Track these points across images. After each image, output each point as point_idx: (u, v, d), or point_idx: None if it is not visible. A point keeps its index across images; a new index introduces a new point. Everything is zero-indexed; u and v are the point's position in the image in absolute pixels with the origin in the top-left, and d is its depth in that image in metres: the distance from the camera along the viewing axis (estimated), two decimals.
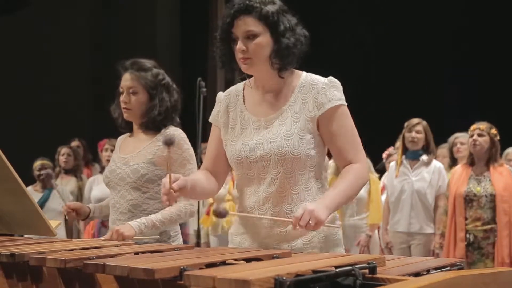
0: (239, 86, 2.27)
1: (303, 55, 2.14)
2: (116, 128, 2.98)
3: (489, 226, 4.38)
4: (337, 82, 2.12)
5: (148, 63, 2.86)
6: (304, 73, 2.17)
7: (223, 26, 2.11)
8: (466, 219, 4.45)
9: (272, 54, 2.08)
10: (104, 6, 10.24)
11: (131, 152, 2.81)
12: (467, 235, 4.42)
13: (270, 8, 2.07)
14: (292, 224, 1.90)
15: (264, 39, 2.07)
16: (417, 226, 4.89)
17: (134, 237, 2.57)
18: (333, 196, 2.00)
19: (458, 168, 4.70)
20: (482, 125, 4.55)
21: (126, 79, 2.80)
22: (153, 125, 2.80)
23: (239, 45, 2.08)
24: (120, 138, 2.98)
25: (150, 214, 2.66)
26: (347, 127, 2.10)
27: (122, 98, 2.80)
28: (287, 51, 2.07)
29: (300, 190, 2.10)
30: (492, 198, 4.38)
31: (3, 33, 8.92)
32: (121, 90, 2.82)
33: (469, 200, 4.45)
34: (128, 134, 2.94)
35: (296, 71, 2.18)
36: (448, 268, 1.66)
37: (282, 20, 2.08)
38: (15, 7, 9.39)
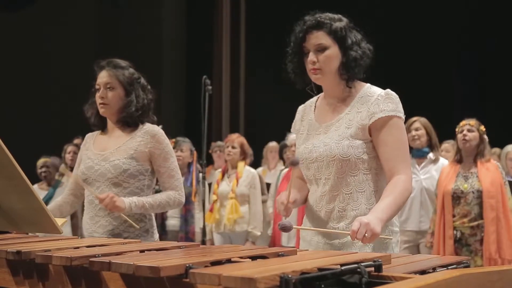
0: (315, 98, 2.46)
1: (368, 68, 2.31)
2: None
3: (476, 223, 4.39)
4: (393, 95, 2.25)
5: (123, 62, 2.92)
6: (366, 85, 2.33)
7: (296, 41, 2.31)
8: (454, 216, 4.45)
9: (340, 66, 2.26)
10: (110, 4, 10.25)
11: (109, 149, 2.86)
12: (455, 232, 4.42)
13: (339, 24, 2.27)
14: (350, 236, 2.02)
15: (333, 52, 2.26)
16: (427, 225, 4.88)
17: (122, 213, 2.69)
18: (384, 208, 2.10)
19: (447, 166, 4.70)
20: (472, 121, 4.57)
21: (103, 76, 2.87)
22: (131, 121, 2.87)
23: (310, 57, 2.27)
24: (90, 135, 3.03)
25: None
26: (395, 138, 2.21)
27: (98, 94, 2.86)
28: (355, 63, 2.25)
29: (353, 190, 2.25)
30: (479, 194, 4.40)
31: (7, 31, 8.94)
32: (97, 87, 2.89)
33: (456, 197, 4.46)
34: (98, 131, 2.99)
35: (360, 82, 2.34)
36: (454, 266, 1.66)
37: (349, 35, 2.27)
38: (19, 5, 9.41)
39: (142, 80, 2.93)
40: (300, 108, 2.53)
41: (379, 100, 2.23)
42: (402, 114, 2.26)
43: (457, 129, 4.62)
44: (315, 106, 2.45)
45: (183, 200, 2.87)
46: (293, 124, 2.54)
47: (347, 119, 2.27)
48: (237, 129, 9.42)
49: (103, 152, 2.86)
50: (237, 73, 10.38)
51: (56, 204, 3.01)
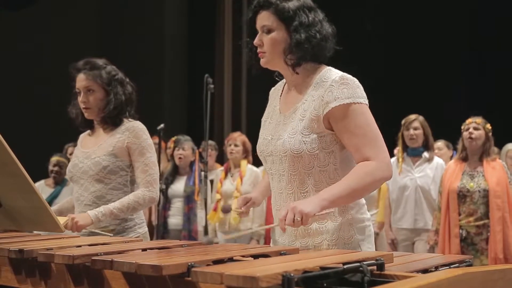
0: (284, 80, 2.29)
1: (328, 52, 2.13)
2: None
3: (481, 222, 4.37)
4: (349, 79, 2.05)
5: (100, 61, 2.95)
6: (324, 69, 2.13)
7: (248, 22, 2.19)
8: (459, 214, 4.44)
9: (285, 50, 2.09)
10: (112, 2, 10.25)
11: (92, 147, 2.93)
12: (460, 231, 4.42)
13: (289, 4, 2.09)
14: (280, 226, 1.91)
15: (279, 35, 2.10)
16: (422, 223, 4.89)
17: (89, 227, 2.72)
18: (332, 190, 1.97)
19: (452, 163, 4.69)
20: (478, 119, 4.55)
21: (81, 80, 2.91)
22: (110, 120, 2.92)
23: (255, 39, 2.14)
24: (81, 135, 3.10)
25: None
26: (360, 124, 2.01)
27: (80, 98, 2.91)
28: (297, 47, 2.07)
29: (309, 189, 2.08)
30: (485, 194, 4.37)
31: (8, 30, 8.94)
32: (77, 91, 2.94)
33: (462, 195, 4.45)
34: (88, 132, 3.06)
35: (321, 66, 2.15)
36: (457, 264, 1.65)
37: (299, 16, 2.08)
38: (20, 4, 9.41)
39: (120, 75, 2.96)
40: (271, 91, 2.37)
41: (333, 87, 2.03)
42: (362, 99, 2.04)
43: (462, 127, 4.61)
44: (282, 90, 2.27)
45: (155, 195, 2.86)
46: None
47: (302, 110, 2.08)
48: (239, 128, 9.41)
49: (87, 150, 2.94)
50: (239, 71, 10.37)
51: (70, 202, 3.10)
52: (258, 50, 2.15)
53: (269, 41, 2.11)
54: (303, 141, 2.04)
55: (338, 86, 2.03)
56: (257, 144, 2.24)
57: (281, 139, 2.08)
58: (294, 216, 1.86)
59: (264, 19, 2.12)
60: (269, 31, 2.11)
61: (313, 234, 2.09)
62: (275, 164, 2.12)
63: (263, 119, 2.30)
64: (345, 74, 2.07)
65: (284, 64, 2.12)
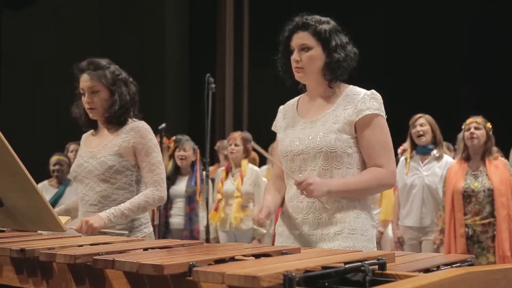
0: (296, 98, 2.57)
1: (351, 70, 2.42)
2: None
3: (487, 220, 4.39)
4: (378, 95, 2.36)
5: (103, 61, 2.94)
6: (350, 86, 2.43)
7: (282, 40, 2.44)
8: (465, 214, 4.46)
9: (324, 67, 2.37)
10: (112, 2, 10.25)
11: (97, 147, 2.92)
12: (466, 229, 4.43)
13: (324, 26, 2.37)
14: (294, 180, 2.25)
15: (316, 52, 2.37)
16: (428, 221, 4.87)
17: (103, 229, 2.69)
18: (340, 182, 2.28)
19: (454, 164, 4.69)
20: (479, 119, 4.57)
21: (85, 80, 2.90)
22: (115, 120, 2.91)
23: (294, 56, 2.39)
24: (85, 135, 3.10)
25: (121, 204, 2.78)
26: (380, 137, 2.32)
27: (84, 99, 2.91)
28: (337, 64, 2.36)
29: None
30: (490, 193, 4.41)
31: (8, 30, 8.94)
32: (81, 91, 2.93)
33: (467, 196, 4.46)
34: (91, 131, 3.05)
35: (343, 83, 2.44)
36: (458, 264, 1.65)
37: (334, 38, 2.37)
38: (20, 4, 9.41)
39: (123, 75, 2.96)
40: (281, 107, 2.62)
41: (365, 99, 2.34)
42: (384, 114, 2.36)
43: (463, 127, 4.61)
44: (297, 105, 2.54)
45: (164, 195, 2.88)
46: (274, 122, 2.62)
47: (334, 115, 2.36)
48: (240, 127, 9.41)
49: (92, 150, 2.93)
50: (240, 71, 10.37)
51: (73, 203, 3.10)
52: (295, 65, 2.39)
53: (307, 58, 2.37)
54: (338, 139, 2.30)
55: (370, 99, 2.34)
56: (282, 145, 2.47)
57: (314, 138, 2.33)
58: (306, 187, 2.17)
59: (303, 38, 2.37)
60: (307, 49, 2.36)
61: (335, 222, 2.31)
62: (307, 161, 2.36)
63: (280, 128, 2.55)
64: (373, 90, 2.38)
65: (319, 79, 2.40)
